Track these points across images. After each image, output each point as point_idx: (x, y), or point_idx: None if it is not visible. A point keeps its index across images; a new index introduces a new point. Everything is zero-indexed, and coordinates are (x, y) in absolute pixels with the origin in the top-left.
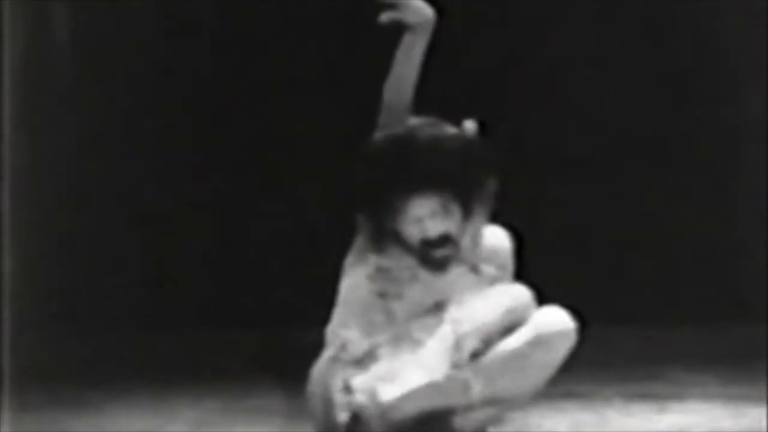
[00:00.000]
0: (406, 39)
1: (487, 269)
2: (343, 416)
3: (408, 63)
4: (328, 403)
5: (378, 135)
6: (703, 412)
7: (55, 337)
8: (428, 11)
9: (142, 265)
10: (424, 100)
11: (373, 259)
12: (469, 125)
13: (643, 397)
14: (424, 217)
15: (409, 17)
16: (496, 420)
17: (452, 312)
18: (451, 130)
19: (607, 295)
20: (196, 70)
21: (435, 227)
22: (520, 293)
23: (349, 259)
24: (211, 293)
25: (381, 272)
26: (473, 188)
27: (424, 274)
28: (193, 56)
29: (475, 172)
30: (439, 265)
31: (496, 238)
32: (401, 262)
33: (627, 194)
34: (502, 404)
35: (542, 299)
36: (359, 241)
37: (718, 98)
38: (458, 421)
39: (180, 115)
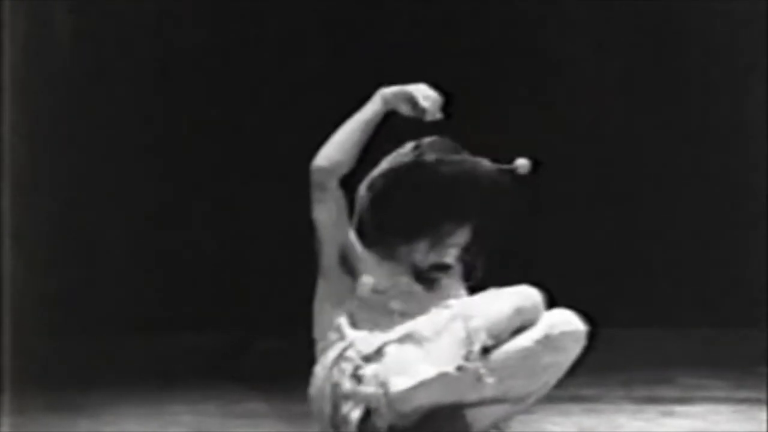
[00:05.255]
0: (377, 114)
1: (452, 303)
2: (355, 414)
3: (371, 132)
4: (337, 398)
5: (433, 163)
6: (709, 415)
7: (54, 341)
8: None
9: (141, 269)
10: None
11: (368, 283)
12: (523, 163)
13: (650, 400)
14: (457, 245)
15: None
16: (507, 418)
17: (462, 308)
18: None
19: (613, 299)
20: (196, 70)
21: (453, 254)
22: (531, 294)
23: (319, 305)
24: (211, 297)
25: (376, 293)
26: (499, 221)
27: (419, 291)
28: (193, 56)
29: (507, 209)
30: (431, 284)
31: None
32: (396, 281)
33: (631, 199)
34: (511, 402)
35: (552, 302)
36: (332, 282)
37: (718, 102)
38: (470, 416)
39: (180, 116)
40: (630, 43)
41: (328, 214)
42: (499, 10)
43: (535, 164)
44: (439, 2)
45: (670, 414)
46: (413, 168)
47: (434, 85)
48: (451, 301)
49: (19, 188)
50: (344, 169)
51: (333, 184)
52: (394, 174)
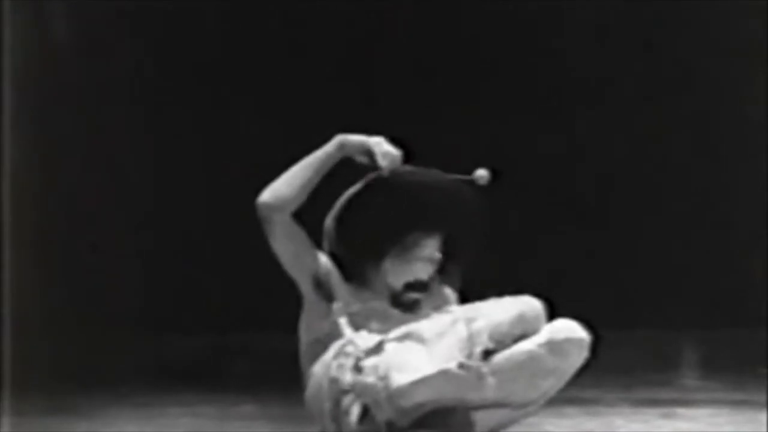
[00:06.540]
0: (331, 158)
1: (453, 309)
2: (355, 408)
3: (323, 173)
4: (336, 393)
5: (392, 177)
6: (708, 417)
7: (53, 342)
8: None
9: (140, 271)
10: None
11: (339, 306)
12: (483, 174)
13: (649, 402)
14: (427, 259)
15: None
16: (508, 424)
17: (464, 312)
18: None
19: (613, 301)
20: (196, 69)
21: (426, 270)
22: (532, 303)
23: (300, 331)
24: (210, 299)
25: (352, 316)
26: (469, 234)
27: (395, 314)
28: (193, 55)
29: (473, 217)
30: (409, 307)
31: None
32: (370, 305)
33: (631, 201)
34: (512, 408)
35: (552, 313)
36: (314, 305)
37: (718, 103)
38: (470, 419)
39: (180, 117)
40: (631, 46)
41: (280, 247)
42: (498, 11)
43: (494, 175)
44: (439, 3)
45: (670, 416)
46: (372, 184)
47: (393, 139)
48: (452, 307)
49: (19, 188)
50: (290, 206)
51: (279, 218)
52: (355, 194)
